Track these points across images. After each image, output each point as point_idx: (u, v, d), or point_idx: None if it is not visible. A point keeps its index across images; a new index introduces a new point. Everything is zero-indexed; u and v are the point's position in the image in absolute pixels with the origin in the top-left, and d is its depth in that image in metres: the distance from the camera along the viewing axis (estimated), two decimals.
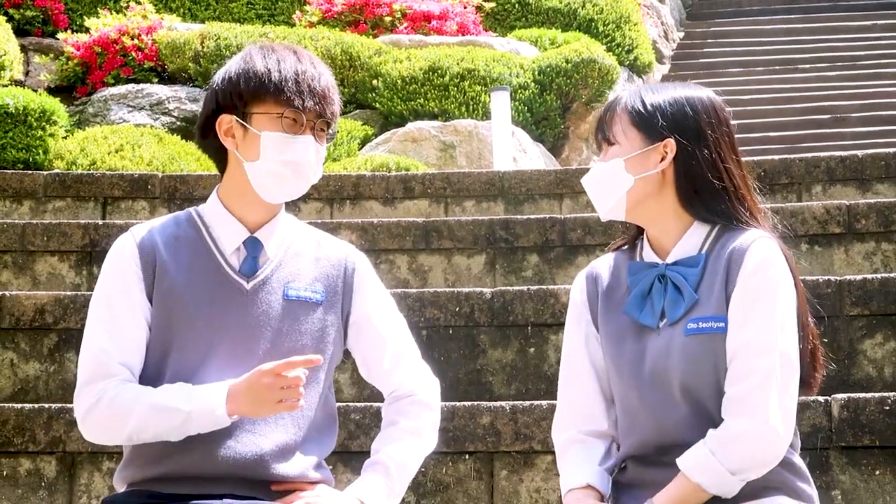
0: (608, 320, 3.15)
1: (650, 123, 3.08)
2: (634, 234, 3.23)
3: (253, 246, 3.16)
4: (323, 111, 3.13)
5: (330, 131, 3.19)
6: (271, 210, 3.19)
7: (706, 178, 3.06)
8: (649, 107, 3.10)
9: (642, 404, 3.05)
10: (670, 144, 3.07)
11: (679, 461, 2.93)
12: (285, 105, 3.09)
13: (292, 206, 7.88)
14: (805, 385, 3.06)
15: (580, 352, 3.19)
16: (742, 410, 2.91)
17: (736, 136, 3.16)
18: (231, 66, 3.17)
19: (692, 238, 3.09)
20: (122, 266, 3.12)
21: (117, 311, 3.09)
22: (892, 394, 4.32)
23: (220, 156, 3.20)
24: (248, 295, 3.12)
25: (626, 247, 3.25)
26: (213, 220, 3.18)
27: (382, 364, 3.25)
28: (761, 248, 3.00)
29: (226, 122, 3.14)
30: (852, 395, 4.35)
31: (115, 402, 3.01)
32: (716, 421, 2.98)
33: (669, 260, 3.10)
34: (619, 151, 3.11)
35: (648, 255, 3.15)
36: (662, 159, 3.08)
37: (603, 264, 3.25)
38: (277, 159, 3.10)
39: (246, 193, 3.16)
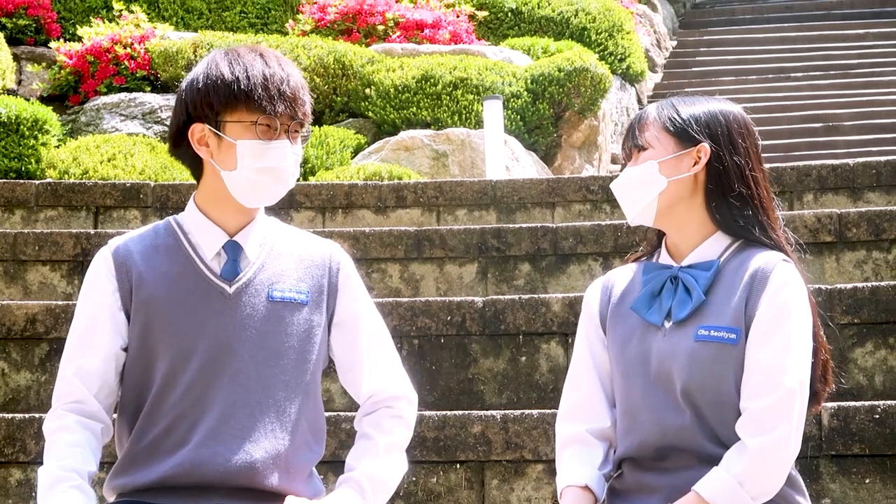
0: (617, 323, 3.19)
1: (684, 130, 3.13)
2: (654, 245, 3.26)
3: (233, 249, 3.14)
4: (294, 113, 3.11)
5: (304, 132, 3.17)
6: (249, 213, 3.18)
7: (735, 186, 3.10)
8: (683, 115, 3.15)
9: (645, 404, 3.08)
10: (704, 149, 3.12)
11: (701, 490, 2.93)
12: (258, 112, 3.07)
13: (284, 215, 7.90)
14: (814, 397, 3.09)
15: (587, 354, 3.23)
16: (762, 428, 2.94)
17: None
18: (198, 74, 3.13)
19: (711, 246, 3.14)
20: (97, 280, 3.14)
21: (89, 332, 3.12)
22: (881, 402, 4.33)
23: (194, 163, 3.18)
24: (231, 298, 3.11)
25: (644, 258, 3.29)
26: (191, 227, 3.17)
27: (363, 368, 3.20)
28: (786, 272, 3.05)
29: (198, 131, 3.12)
30: (842, 403, 4.35)
31: (52, 438, 3.07)
32: (714, 429, 3.00)
33: (684, 263, 3.14)
34: (653, 154, 3.14)
35: (664, 259, 3.20)
36: (696, 163, 3.12)
37: (620, 274, 3.29)
38: (255, 167, 3.09)
39: (223, 199, 3.15)
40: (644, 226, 3.22)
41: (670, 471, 3.02)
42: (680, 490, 2.97)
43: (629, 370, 3.12)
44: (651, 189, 3.13)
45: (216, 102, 3.09)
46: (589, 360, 3.22)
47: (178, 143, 3.17)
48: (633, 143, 3.18)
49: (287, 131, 3.11)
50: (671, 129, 3.14)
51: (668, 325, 3.10)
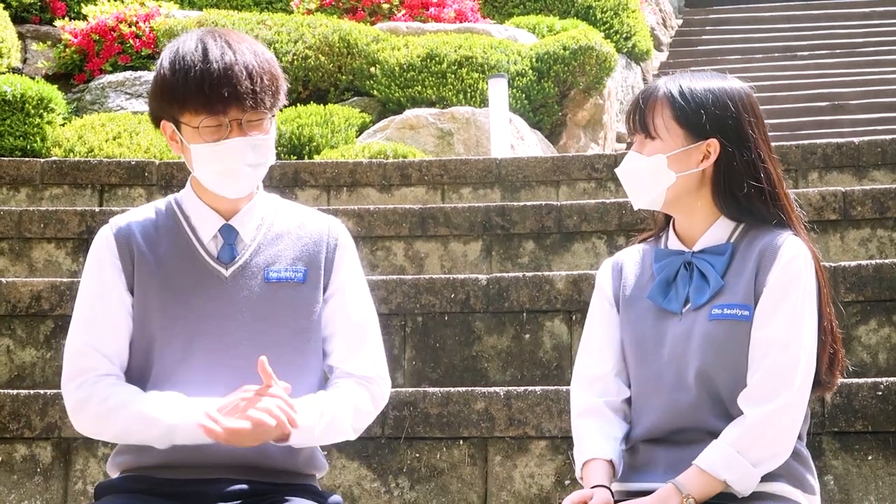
0: (630, 306, 3.18)
1: (694, 121, 3.09)
2: (662, 225, 3.26)
3: (228, 233, 3.13)
4: (243, 105, 3.00)
5: (270, 114, 3.07)
6: (241, 198, 3.15)
7: (744, 180, 3.08)
8: (693, 104, 3.09)
9: (657, 387, 3.09)
10: (714, 145, 3.08)
11: (701, 462, 2.94)
12: (202, 113, 3.00)
13: (289, 194, 7.90)
14: (820, 385, 3.09)
15: (604, 330, 3.22)
16: (764, 398, 2.94)
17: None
18: (158, 69, 3.07)
19: (720, 229, 3.13)
20: (101, 258, 3.11)
21: (99, 304, 3.08)
22: (884, 379, 4.33)
23: None
24: (228, 281, 3.09)
25: (651, 238, 3.28)
26: (189, 209, 3.16)
27: (343, 343, 3.16)
28: (794, 246, 3.04)
29: (168, 129, 3.09)
30: (845, 380, 4.35)
31: (104, 403, 3.00)
32: (728, 408, 3.01)
33: (696, 248, 3.13)
34: (662, 147, 3.11)
35: (674, 244, 3.19)
36: (704, 158, 3.10)
37: (629, 254, 3.28)
38: (209, 169, 3.06)
39: None
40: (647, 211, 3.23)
41: (681, 444, 3.03)
42: (688, 463, 2.98)
43: (643, 353, 3.13)
44: (660, 183, 3.11)
45: (166, 106, 3.05)
46: (606, 335, 3.21)
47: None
48: (641, 128, 3.14)
49: (241, 125, 3.03)
50: (681, 118, 3.09)
51: (685, 310, 3.10)
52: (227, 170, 3.04)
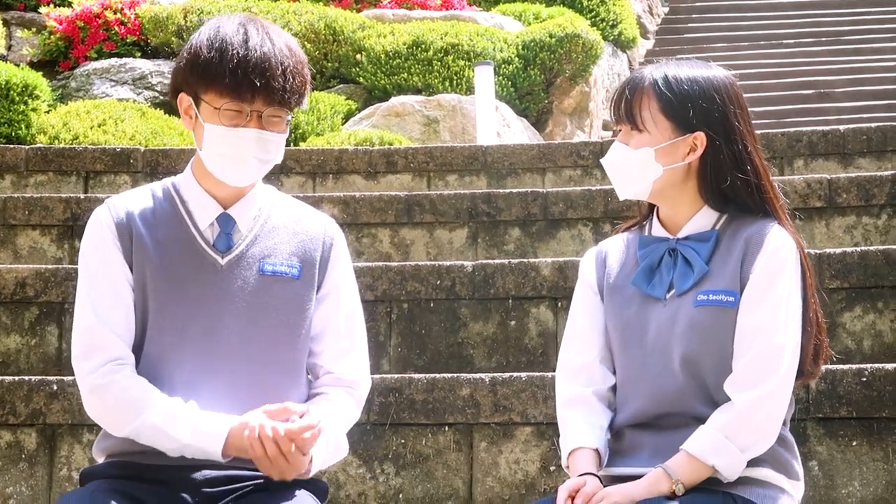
0: (615, 293, 3.19)
1: (681, 114, 3.09)
2: (646, 213, 3.26)
3: (226, 222, 3.12)
4: (270, 99, 3.01)
5: (287, 116, 3.08)
6: (242, 187, 3.15)
7: (730, 172, 3.08)
8: (679, 94, 3.08)
9: (641, 373, 3.09)
10: (700, 138, 3.08)
11: (690, 448, 2.95)
12: (226, 96, 3.00)
13: (275, 181, 7.89)
14: (804, 375, 3.10)
15: (587, 318, 3.22)
16: (750, 384, 2.95)
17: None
18: (190, 43, 3.07)
19: (704, 217, 3.13)
20: (102, 236, 3.09)
21: (105, 281, 3.06)
22: (869, 365, 4.34)
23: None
24: (223, 270, 3.09)
25: (635, 227, 3.29)
26: (187, 195, 3.15)
27: (330, 344, 3.17)
28: (780, 236, 3.05)
29: (185, 102, 3.10)
30: (829, 366, 4.36)
31: (123, 398, 2.98)
32: (713, 394, 3.01)
33: (681, 235, 3.14)
34: (649, 140, 3.10)
35: (658, 231, 3.19)
36: (691, 151, 3.09)
37: (614, 243, 3.28)
38: (217, 152, 3.06)
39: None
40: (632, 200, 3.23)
41: (665, 429, 3.04)
42: (673, 448, 2.98)
43: (627, 339, 3.13)
44: (647, 175, 3.11)
45: (192, 80, 3.05)
46: (590, 323, 3.22)
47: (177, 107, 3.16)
48: (628, 118, 3.13)
49: (261, 117, 3.03)
50: (667, 110, 3.09)
51: (669, 295, 3.10)
52: (235, 157, 3.05)
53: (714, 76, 3.13)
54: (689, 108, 3.08)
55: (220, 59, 2.99)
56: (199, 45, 3.04)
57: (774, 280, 3.01)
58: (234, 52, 2.99)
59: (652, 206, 3.24)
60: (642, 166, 3.11)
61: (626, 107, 3.13)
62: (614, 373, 3.19)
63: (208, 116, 3.04)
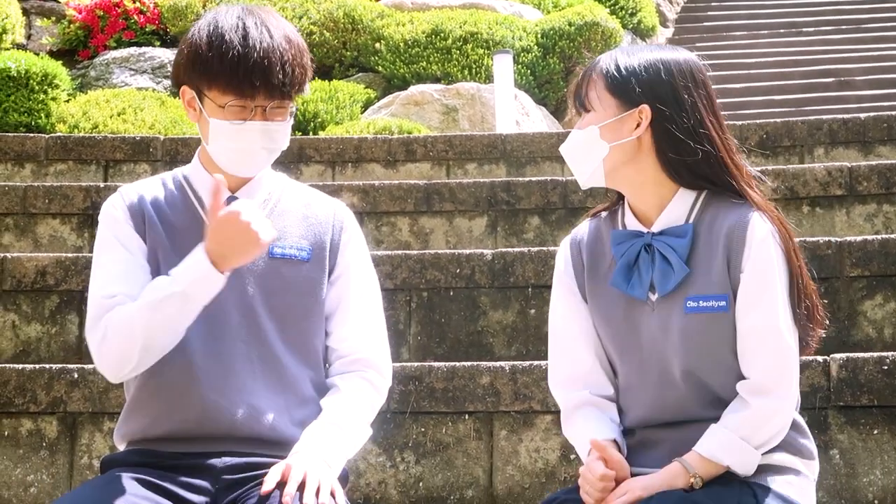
0: (596, 293, 3.12)
1: (625, 89, 3.03)
2: (615, 200, 3.18)
3: None
4: (271, 94, 3.03)
5: (291, 107, 3.10)
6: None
7: (685, 144, 3.00)
8: (623, 71, 3.03)
9: (642, 383, 3.05)
10: (645, 111, 3.01)
11: (704, 451, 2.92)
12: (229, 93, 3.02)
13: (294, 169, 7.90)
14: (803, 344, 3.06)
15: (571, 320, 3.16)
16: (769, 388, 2.92)
17: (718, 98, 3.09)
18: (189, 37, 3.08)
19: (677, 206, 3.05)
20: (116, 217, 3.11)
21: (117, 255, 3.07)
22: (890, 353, 4.32)
23: None
24: None
25: (605, 213, 3.19)
26: (196, 182, 3.17)
27: (346, 325, 3.17)
28: (761, 226, 2.97)
29: (188, 95, 3.12)
30: (850, 354, 4.35)
31: (116, 322, 2.97)
32: (719, 396, 2.98)
33: (655, 229, 3.06)
34: (595, 118, 3.05)
35: (631, 223, 3.10)
36: (637, 126, 3.02)
37: (587, 232, 3.19)
38: (224, 146, 3.08)
39: None
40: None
41: (676, 427, 3.02)
42: (686, 442, 2.96)
43: (620, 347, 3.08)
44: (594, 154, 3.05)
45: (194, 77, 3.07)
46: (577, 330, 3.14)
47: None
48: (578, 103, 3.10)
49: (265, 110, 3.05)
50: (612, 87, 3.03)
51: (653, 297, 3.03)
52: (242, 150, 3.07)
53: (668, 55, 3.07)
54: (632, 82, 3.02)
55: (219, 58, 3.01)
56: (198, 41, 3.05)
57: (766, 277, 2.94)
58: (235, 50, 3.00)
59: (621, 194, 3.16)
60: (588, 145, 3.05)
61: (577, 91, 3.11)
62: (612, 371, 3.15)
63: (213, 112, 3.06)
